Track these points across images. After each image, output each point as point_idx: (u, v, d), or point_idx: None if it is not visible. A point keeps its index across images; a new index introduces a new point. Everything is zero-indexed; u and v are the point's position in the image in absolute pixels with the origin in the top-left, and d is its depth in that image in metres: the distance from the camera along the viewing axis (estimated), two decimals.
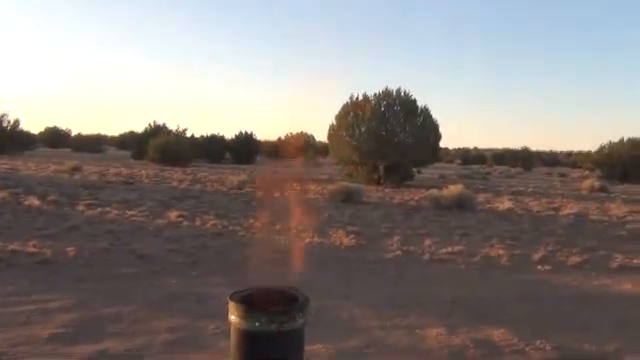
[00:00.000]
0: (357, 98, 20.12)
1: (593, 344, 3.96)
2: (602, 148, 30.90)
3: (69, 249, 6.32)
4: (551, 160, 57.12)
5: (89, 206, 9.86)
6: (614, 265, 6.98)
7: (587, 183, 20.75)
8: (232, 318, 1.16)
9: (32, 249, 6.24)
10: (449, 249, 7.45)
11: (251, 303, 1.22)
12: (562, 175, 34.19)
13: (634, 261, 7.21)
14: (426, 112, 20.05)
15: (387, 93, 19.99)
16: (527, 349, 3.80)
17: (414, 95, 20.06)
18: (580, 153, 55.07)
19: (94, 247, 6.55)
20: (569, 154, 65.52)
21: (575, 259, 7.14)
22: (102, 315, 4.24)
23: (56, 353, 3.41)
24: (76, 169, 18.31)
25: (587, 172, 34.13)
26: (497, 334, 4.09)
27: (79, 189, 12.69)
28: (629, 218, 11.75)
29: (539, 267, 6.74)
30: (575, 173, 36.22)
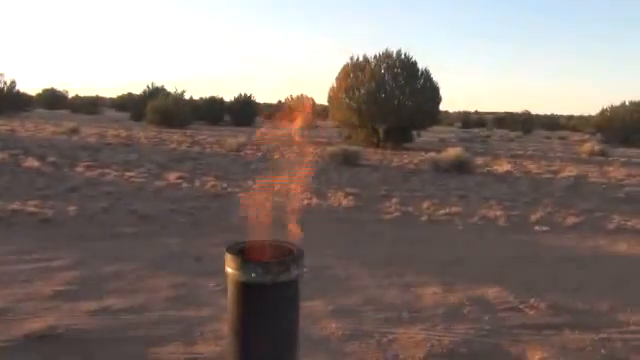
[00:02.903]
0: (357, 59, 19.88)
1: (587, 302, 4.03)
2: (604, 111, 30.74)
3: (70, 209, 6.36)
4: (552, 123, 56.78)
5: (88, 167, 9.87)
6: (611, 226, 7.04)
7: (587, 146, 20.70)
8: (228, 270, 1.18)
9: (33, 209, 6.28)
10: (447, 210, 7.50)
11: (247, 255, 1.24)
12: (562, 138, 34.08)
13: (630, 223, 7.27)
14: (427, 75, 19.82)
15: (387, 55, 19.72)
16: (521, 307, 3.87)
17: (415, 57, 19.83)
18: (581, 117, 54.77)
19: (94, 207, 6.59)
20: (570, 118, 65.12)
21: (572, 220, 7.20)
22: (104, 273, 4.30)
23: (59, 309, 3.47)
24: (74, 131, 18.23)
25: (587, 136, 34.03)
26: (492, 292, 4.16)
27: (78, 150, 12.67)
28: (627, 181, 11.79)
29: (536, 228, 6.80)
30: (575, 136, 36.11)
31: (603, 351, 3.16)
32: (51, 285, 3.93)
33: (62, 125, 19.82)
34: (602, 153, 19.48)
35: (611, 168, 14.44)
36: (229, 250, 1.26)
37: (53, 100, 48.36)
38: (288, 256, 1.28)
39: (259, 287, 1.22)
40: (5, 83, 31.29)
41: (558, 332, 3.43)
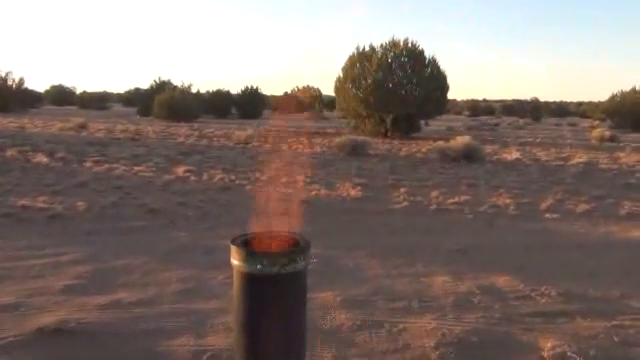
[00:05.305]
0: (363, 49, 19.76)
1: (599, 289, 4.00)
2: (614, 97, 30.42)
3: (79, 204, 6.39)
4: (561, 110, 56.29)
5: (97, 162, 9.91)
6: (622, 213, 6.97)
7: (597, 132, 20.50)
8: (234, 262, 1.16)
9: (42, 204, 6.31)
10: (456, 199, 7.45)
11: (253, 247, 1.23)
12: (572, 125, 33.78)
13: None
14: (434, 63, 19.69)
15: (394, 44, 19.58)
16: (533, 295, 3.84)
17: (422, 46, 19.69)
18: (591, 103, 54.26)
19: (104, 202, 6.62)
20: (580, 104, 64.54)
21: (583, 207, 7.13)
22: (114, 267, 4.31)
23: (70, 303, 3.49)
24: (83, 126, 18.32)
25: (597, 122, 33.71)
26: (503, 281, 4.13)
27: (86, 146, 12.73)
28: (639, 167, 11.66)
29: (547, 215, 6.74)
30: (585, 123, 35.78)
31: (615, 338, 3.13)
32: (62, 280, 3.95)
33: (70, 121, 19.92)
34: (612, 139, 19.28)
35: (622, 154, 14.30)
36: (234, 242, 1.25)
37: (61, 96, 48.74)
38: (294, 247, 1.26)
39: (265, 279, 1.20)
40: (14, 81, 31.53)
41: (570, 320, 3.40)
